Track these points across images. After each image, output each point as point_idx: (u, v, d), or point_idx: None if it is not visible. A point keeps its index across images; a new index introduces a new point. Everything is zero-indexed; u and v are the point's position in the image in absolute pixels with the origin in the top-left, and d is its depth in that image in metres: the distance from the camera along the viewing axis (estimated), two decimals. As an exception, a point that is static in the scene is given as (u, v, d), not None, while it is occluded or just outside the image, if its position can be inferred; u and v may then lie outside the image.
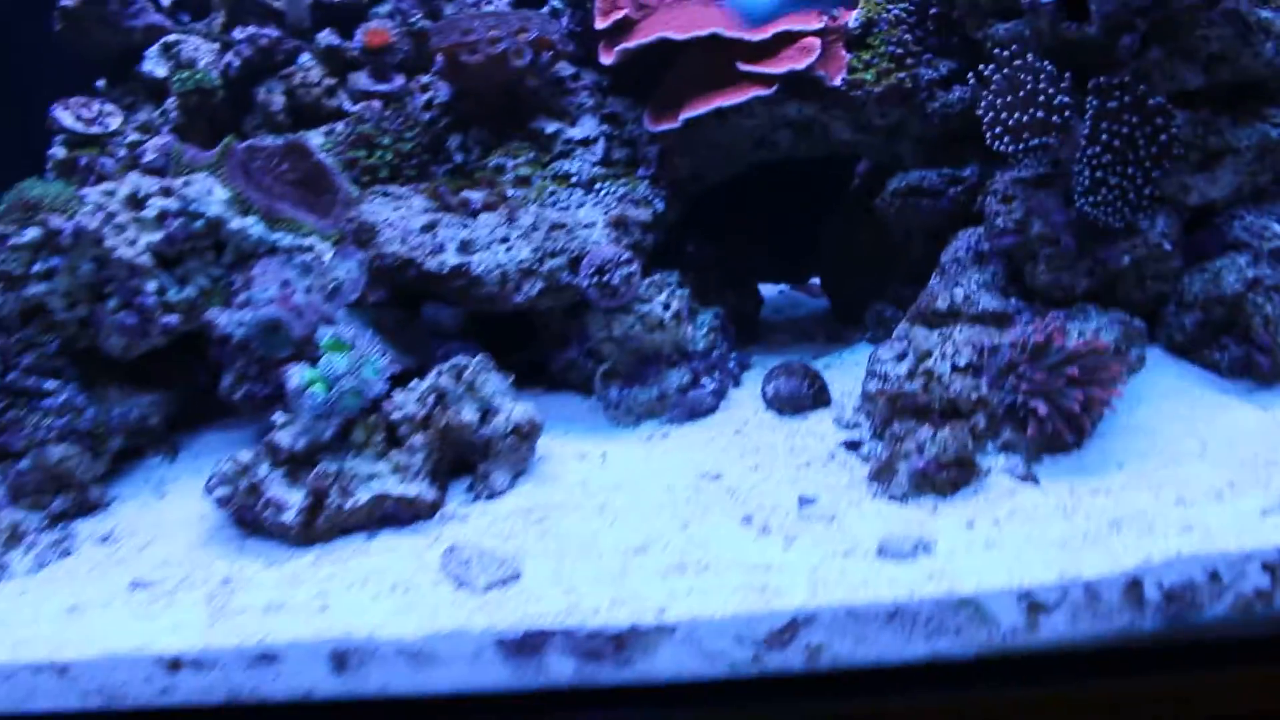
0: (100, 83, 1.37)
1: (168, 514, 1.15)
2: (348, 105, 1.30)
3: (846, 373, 1.24)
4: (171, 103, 1.31)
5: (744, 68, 1.21)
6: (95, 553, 1.11)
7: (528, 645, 0.93)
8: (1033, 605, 0.89)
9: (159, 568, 1.07)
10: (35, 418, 1.12)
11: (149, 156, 1.31)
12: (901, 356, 1.12)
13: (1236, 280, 1.07)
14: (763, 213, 1.34)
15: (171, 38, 1.35)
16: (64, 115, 1.32)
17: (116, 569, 1.08)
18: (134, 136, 1.34)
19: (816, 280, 1.47)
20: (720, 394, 1.21)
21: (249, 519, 1.08)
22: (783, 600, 0.91)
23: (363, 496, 1.05)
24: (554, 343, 1.20)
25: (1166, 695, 0.91)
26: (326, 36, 1.36)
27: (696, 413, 1.19)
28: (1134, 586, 0.90)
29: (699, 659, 0.92)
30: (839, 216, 1.39)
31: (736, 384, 1.24)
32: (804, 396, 1.18)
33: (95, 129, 1.33)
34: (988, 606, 0.90)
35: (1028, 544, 0.94)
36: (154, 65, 1.37)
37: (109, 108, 1.35)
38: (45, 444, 1.11)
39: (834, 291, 1.38)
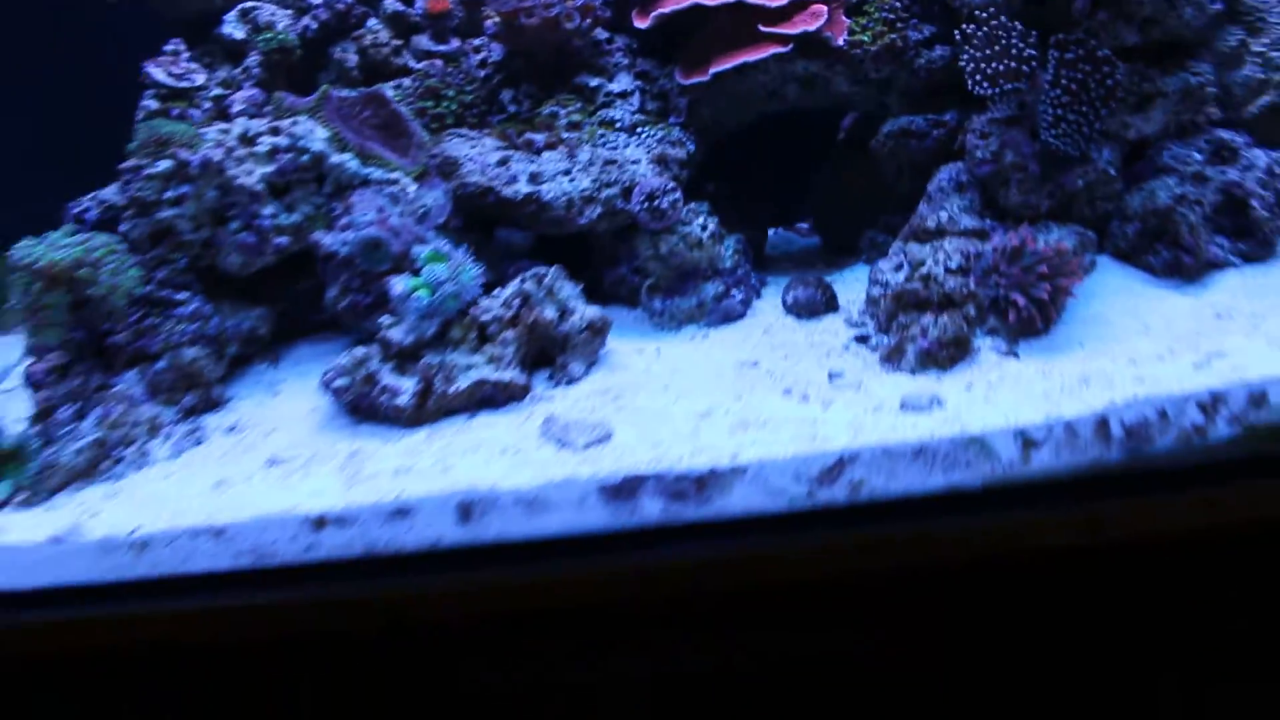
0: (174, 44, 1.52)
1: (283, 408, 1.31)
2: (412, 63, 1.47)
3: (848, 287, 1.46)
4: (254, 59, 1.46)
5: (764, 29, 1.42)
6: (225, 441, 1.27)
7: (624, 490, 1.13)
8: (1026, 441, 1.12)
9: (288, 449, 1.24)
10: (169, 324, 1.27)
11: (237, 107, 1.47)
12: (899, 267, 1.35)
13: (1167, 196, 1.32)
14: (763, 160, 1.56)
15: (249, 4, 1.51)
16: (157, 71, 1.46)
17: (249, 452, 1.24)
18: (217, 91, 1.49)
19: (804, 225, 1.69)
20: (747, 303, 1.42)
21: (363, 406, 1.25)
22: (830, 444, 1.13)
23: (464, 382, 1.24)
24: (606, 262, 1.40)
25: (1130, 514, 1.15)
26: (392, 3, 1.54)
27: (729, 318, 1.40)
28: (1102, 424, 1.13)
29: (764, 495, 1.13)
30: (829, 163, 1.61)
31: (758, 296, 1.45)
32: (818, 302, 1.39)
33: (184, 83, 1.48)
34: (991, 443, 1.12)
35: (1017, 397, 1.16)
36: (233, 28, 1.53)
37: (194, 65, 1.50)
38: (179, 347, 1.27)
39: (826, 228, 1.60)
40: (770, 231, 1.63)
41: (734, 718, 1.15)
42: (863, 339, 1.30)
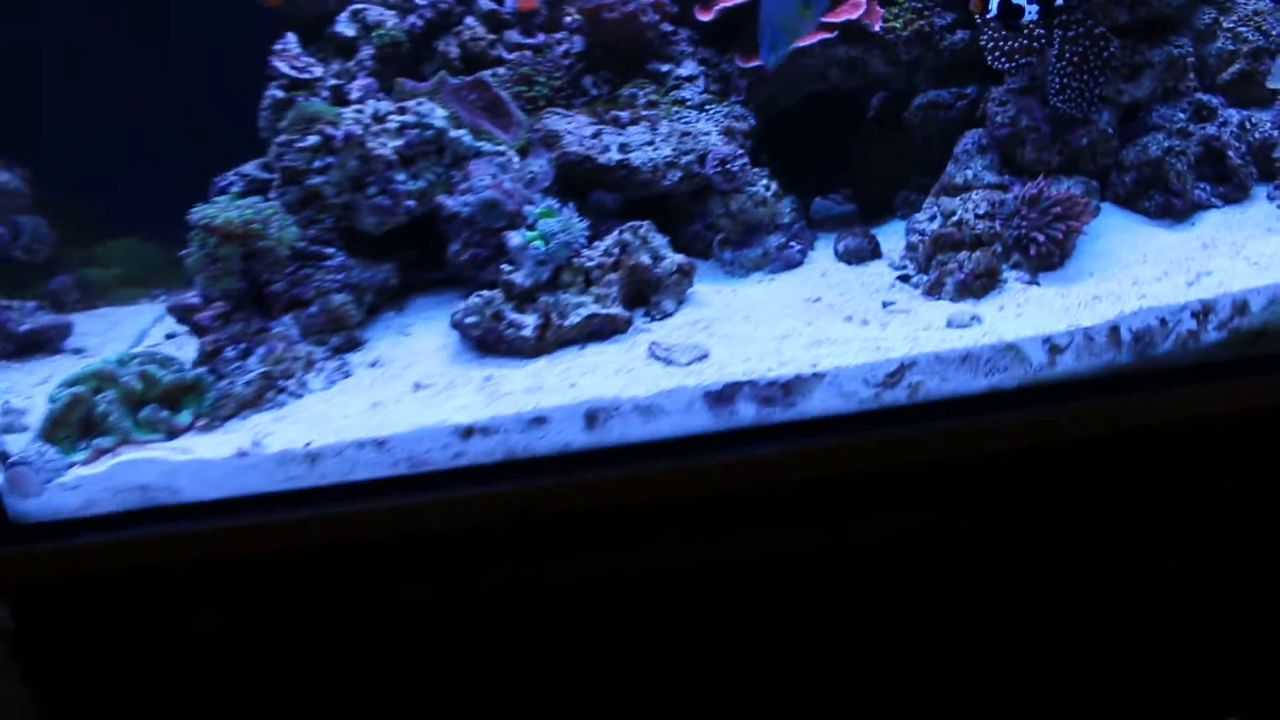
0: (285, 41, 1.72)
1: (416, 346, 1.51)
2: (505, 54, 1.66)
3: (887, 240, 1.66)
4: (367, 53, 1.65)
5: (814, 18, 1.66)
6: (370, 373, 1.47)
7: (724, 396, 1.34)
8: (1053, 347, 1.34)
9: (428, 377, 1.43)
10: (319, 275, 1.47)
11: (354, 94, 1.66)
12: (933, 218, 1.56)
13: (1157, 149, 1.55)
14: (805, 136, 1.77)
15: (358, 5, 1.71)
16: (281, 64, 1.66)
17: (393, 381, 1.44)
18: (333, 81, 1.69)
19: (836, 196, 1.91)
20: (804, 253, 1.63)
21: (490, 340, 1.45)
22: (890, 354, 1.35)
23: (576, 317, 1.44)
24: (683, 220, 1.61)
25: (1139, 408, 1.37)
26: (485, 2, 1.74)
27: (790, 265, 1.61)
28: (1114, 331, 1.35)
29: (839, 398, 1.34)
30: (863, 137, 1.84)
31: (812, 248, 1.67)
32: (865, 250, 1.61)
33: (305, 75, 1.68)
34: (1023, 349, 1.34)
35: (1043, 313, 1.38)
36: (344, 27, 1.71)
37: (310, 59, 1.70)
38: (329, 294, 1.46)
39: (862, 195, 1.82)
40: (812, 202, 1.86)
41: (816, 583, 1.37)
42: (905, 278, 1.52)
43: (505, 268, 1.47)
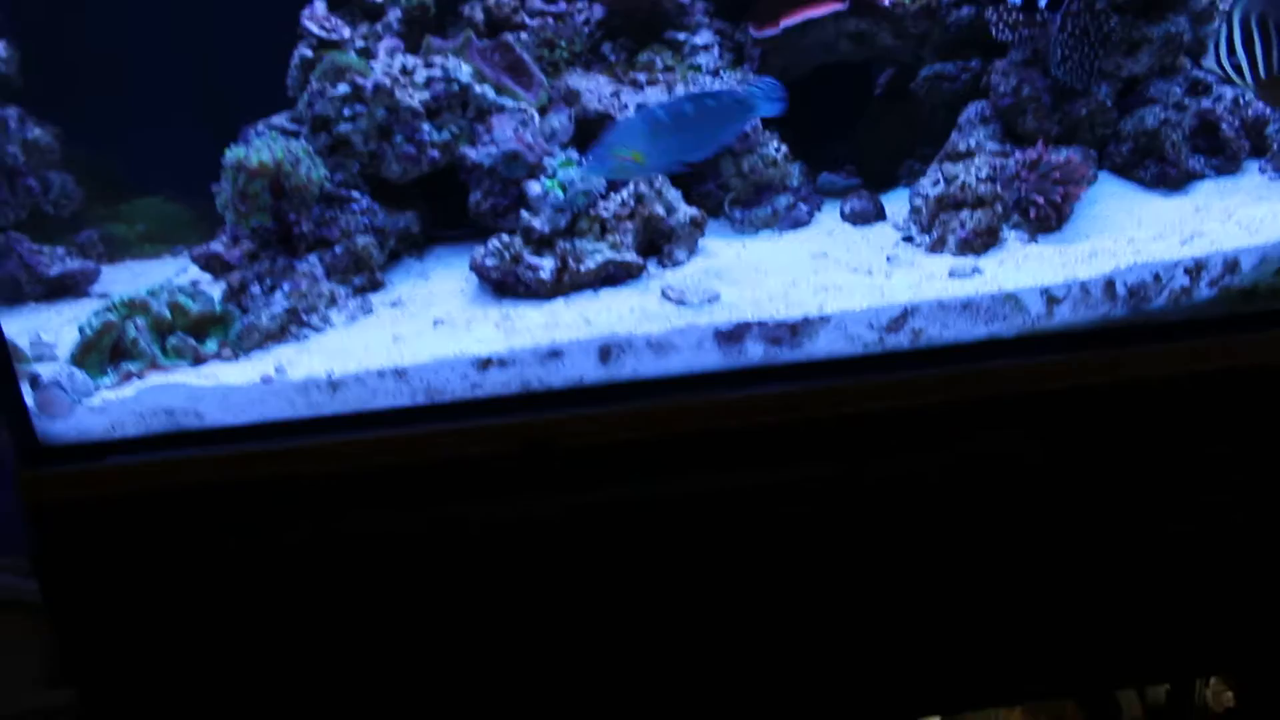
0: (315, 5, 1.77)
1: (435, 289, 1.54)
2: (528, 20, 1.72)
3: (892, 206, 1.70)
4: (394, 15, 1.67)
5: (826, -10, 1.71)
6: (391, 312, 1.49)
7: (734, 335, 1.37)
8: (1050, 298, 1.37)
9: (448, 314, 1.46)
10: (345, 217, 1.50)
11: (382, 54, 1.72)
12: (936, 182, 1.60)
13: (1153, 120, 1.59)
14: (812, 109, 1.82)
15: (385, -30, 1.77)
16: (310, 24, 1.70)
17: (414, 318, 1.47)
18: (360, 43, 1.73)
19: (842, 171, 1.95)
20: (812, 214, 1.66)
21: (508, 282, 1.48)
22: (895, 300, 1.38)
23: (592, 262, 1.47)
24: (695, 179, 1.64)
25: (1133, 361, 1.41)
26: None
27: (798, 224, 1.64)
28: (1110, 284, 1.38)
29: (844, 341, 1.37)
30: (869, 111, 1.88)
31: (819, 210, 1.71)
32: (870, 212, 1.64)
33: (334, 35, 1.72)
34: (1023, 299, 1.37)
35: (1041, 267, 1.41)
36: None
37: (339, 21, 1.74)
38: (353, 235, 1.50)
39: (867, 167, 1.86)
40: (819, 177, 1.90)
41: (820, 517, 1.40)
42: (909, 239, 1.55)
43: (525, 215, 1.51)
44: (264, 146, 1.44)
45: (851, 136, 1.82)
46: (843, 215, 1.64)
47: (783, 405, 1.37)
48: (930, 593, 1.46)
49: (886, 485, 1.40)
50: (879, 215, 1.63)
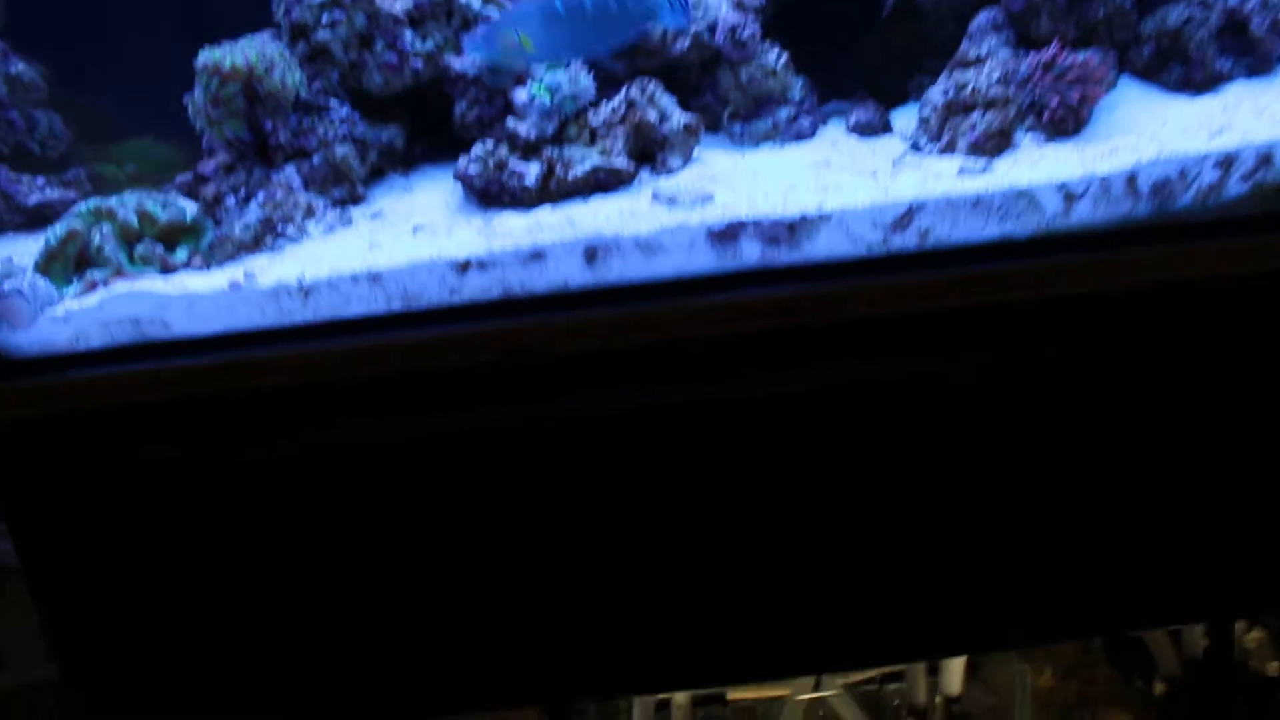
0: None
1: (418, 201, 1.45)
2: None
3: (899, 122, 1.61)
4: None
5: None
6: (370, 223, 1.40)
7: (728, 234, 1.28)
8: (1068, 195, 1.27)
9: (429, 223, 1.38)
10: (323, 126, 1.43)
11: None
12: (946, 91, 1.50)
13: (1177, 19, 1.48)
14: (815, 30, 1.73)
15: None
16: None
17: (394, 227, 1.37)
18: None
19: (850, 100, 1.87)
20: (815, 127, 1.56)
21: (493, 191, 1.40)
22: (901, 197, 1.29)
23: (580, 169, 1.38)
24: (692, 92, 1.54)
25: (1152, 263, 1.31)
26: None
27: (800, 136, 1.54)
28: (1132, 180, 1.28)
29: (846, 241, 1.28)
30: (878, 29, 1.79)
31: (824, 124, 1.62)
32: (876, 123, 1.54)
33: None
34: (1038, 196, 1.27)
35: (1058, 164, 1.31)
36: None
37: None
38: (332, 144, 1.42)
39: (876, 86, 1.77)
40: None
41: (819, 426, 1.30)
42: (917, 147, 1.46)
43: (510, 121, 1.43)
44: (238, 50, 1.37)
45: (858, 56, 1.73)
46: (848, 128, 1.54)
47: (780, 309, 1.28)
48: (935, 517, 1.36)
49: (889, 395, 1.30)
50: (886, 127, 1.53)
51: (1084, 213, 1.27)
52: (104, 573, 1.34)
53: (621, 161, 1.39)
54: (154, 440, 1.30)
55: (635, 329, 1.27)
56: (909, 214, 1.26)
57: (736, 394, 1.27)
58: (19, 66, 1.82)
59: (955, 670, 1.89)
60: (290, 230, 1.35)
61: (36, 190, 1.66)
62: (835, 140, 1.55)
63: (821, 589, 1.38)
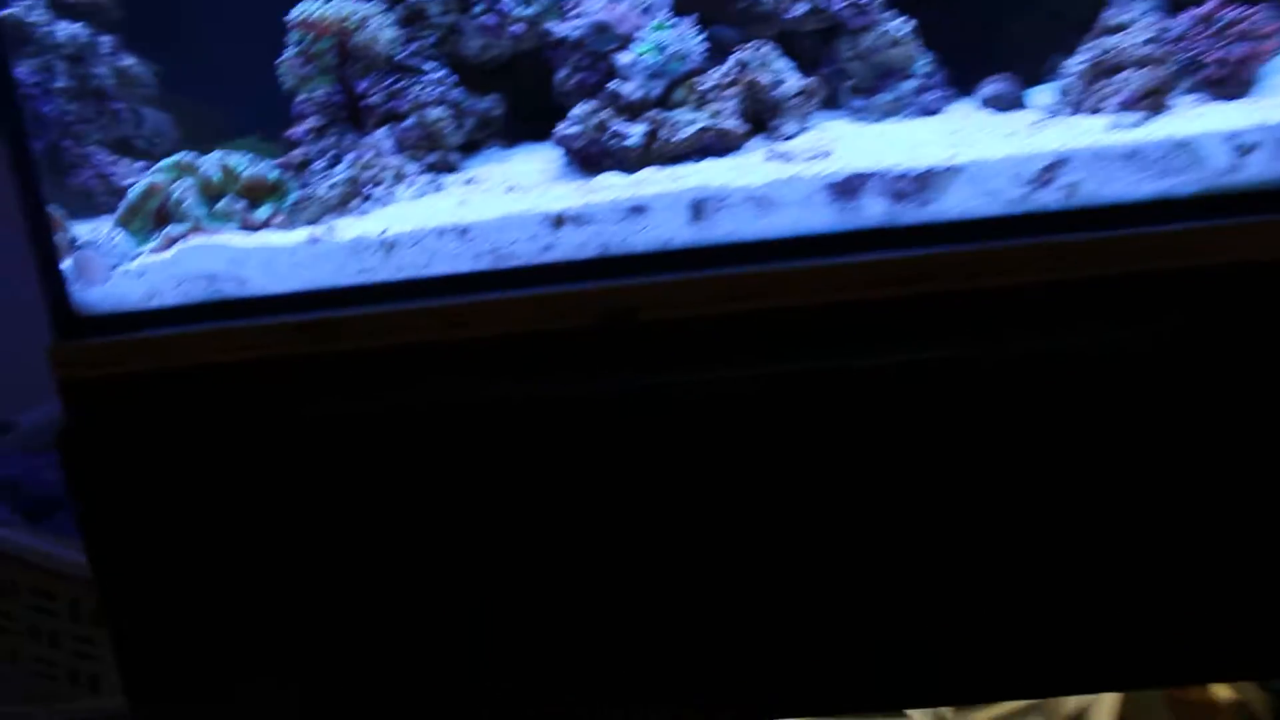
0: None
1: (515, 168, 1.35)
2: None
3: (1034, 98, 1.49)
4: None
5: None
6: (463, 189, 1.31)
7: (849, 188, 1.15)
8: (1240, 147, 1.11)
9: (523, 184, 1.29)
10: (417, 88, 1.36)
11: None
12: (1090, 55, 1.37)
13: None
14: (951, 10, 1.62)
15: None
16: None
17: (488, 191, 1.29)
18: None
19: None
20: (943, 101, 1.45)
21: (593, 154, 1.30)
22: (1045, 148, 1.15)
23: (687, 131, 1.28)
24: (808, 65, 1.44)
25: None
26: None
27: (927, 111, 1.41)
28: None
29: (982, 197, 1.14)
30: (1009, 5, 1.67)
31: (953, 101, 1.49)
32: (1013, 95, 1.41)
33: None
34: (1202, 148, 1.13)
35: (1222, 118, 1.17)
36: None
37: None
38: (426, 106, 1.35)
39: (1007, 63, 1.64)
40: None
41: (952, 410, 1.15)
42: (1055, 112, 1.33)
43: (613, 83, 1.34)
44: (332, 5, 1.31)
45: (990, 31, 1.60)
46: (980, 103, 1.42)
47: (906, 274, 1.14)
48: (1093, 519, 1.19)
49: (1028, 373, 1.15)
50: (1021, 103, 1.40)
51: (1259, 167, 1.11)
52: (172, 545, 1.25)
53: (732, 123, 1.28)
54: (226, 403, 1.22)
55: (744, 292, 1.15)
56: (1053, 167, 1.12)
57: (857, 367, 1.13)
58: (128, 61, 1.81)
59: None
60: (378, 192, 1.27)
61: (134, 174, 1.62)
62: (967, 115, 1.42)
63: (966, 600, 1.22)
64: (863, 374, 1.13)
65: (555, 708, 1.25)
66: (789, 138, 1.30)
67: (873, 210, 1.14)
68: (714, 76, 1.33)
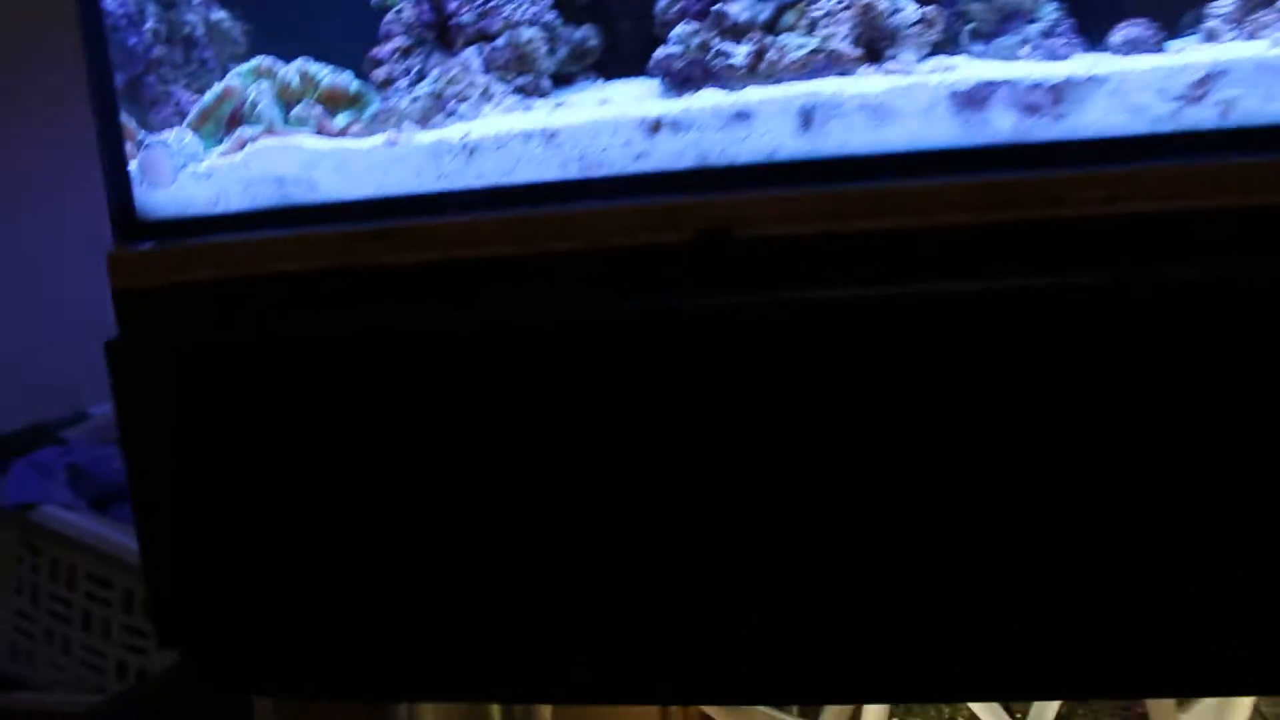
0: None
1: (613, 91, 1.27)
2: None
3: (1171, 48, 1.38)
4: None
5: None
6: (554, 111, 1.25)
7: (975, 98, 1.05)
8: None
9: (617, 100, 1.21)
10: (509, 7, 1.30)
11: None
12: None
13: None
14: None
15: None
16: None
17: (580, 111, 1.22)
18: None
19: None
20: (1071, 49, 1.34)
21: (694, 75, 1.21)
22: (1198, 59, 1.04)
23: (796, 54, 1.20)
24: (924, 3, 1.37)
25: None
26: None
27: (1053, 57, 1.33)
28: None
29: (1124, 112, 1.03)
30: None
31: (1083, 50, 1.39)
32: (1149, 39, 1.28)
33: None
34: (1385, 63, 1.01)
35: None
36: None
37: None
38: (517, 25, 1.28)
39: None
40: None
41: (1080, 345, 1.02)
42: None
43: (718, 5, 1.25)
44: (426, -83, 1.26)
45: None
46: (1111, 49, 1.31)
47: (1036, 195, 1.02)
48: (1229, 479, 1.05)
49: (1165, 308, 1.01)
50: (1158, 45, 1.30)
51: None
52: (225, 466, 1.16)
53: (843, 46, 1.19)
54: (291, 316, 1.13)
55: (857, 210, 1.04)
56: (1207, 80, 1.01)
57: (978, 292, 1.02)
58: (220, 14, 1.79)
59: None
60: (463, 110, 1.20)
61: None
62: (1098, 58, 1.32)
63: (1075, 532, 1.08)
64: (980, 301, 1.02)
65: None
66: (904, 69, 1.21)
67: (1001, 124, 1.03)
68: (826, 3, 1.25)
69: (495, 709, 1.72)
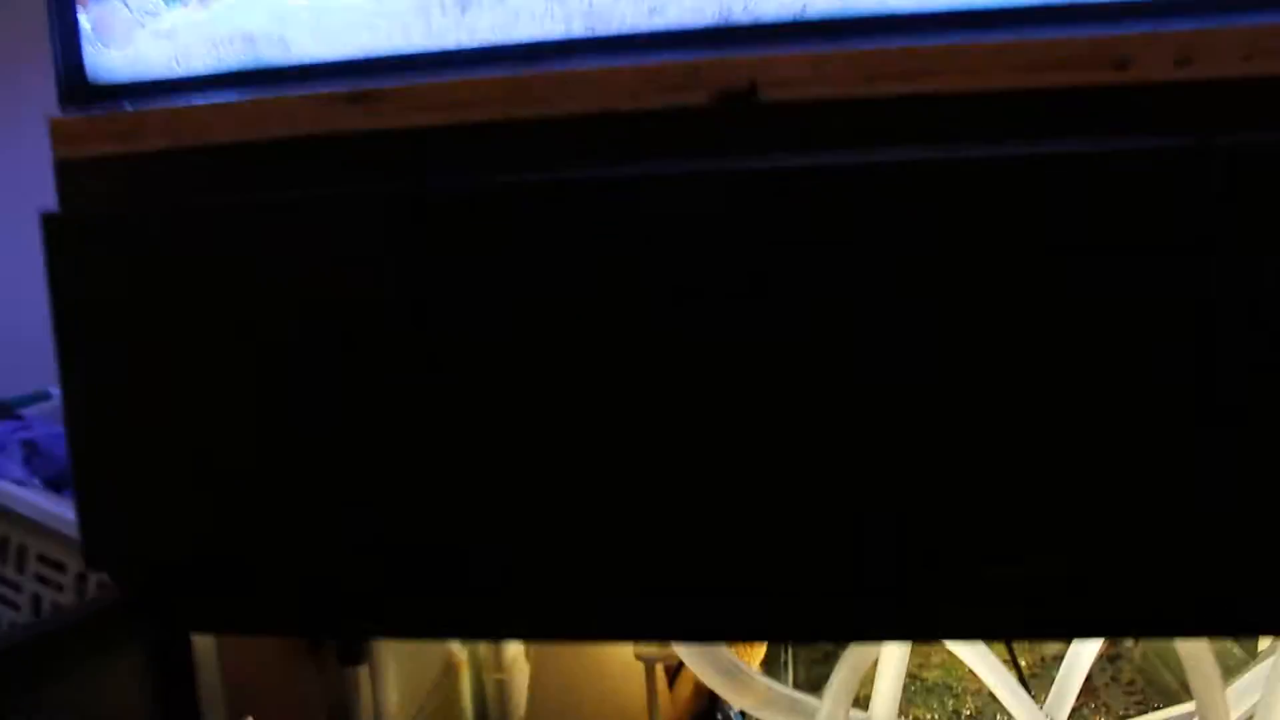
0: None
1: None
2: None
3: None
4: None
5: None
6: None
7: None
8: None
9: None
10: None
11: None
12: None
13: None
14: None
15: None
16: None
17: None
18: None
19: None
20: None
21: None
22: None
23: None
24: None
25: None
26: None
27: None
28: None
29: (1194, -36, 0.94)
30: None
31: None
32: None
33: None
34: None
35: None
36: None
37: None
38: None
39: None
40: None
41: (1146, 218, 0.91)
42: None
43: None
44: None
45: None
46: None
47: (1096, 57, 0.91)
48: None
49: (1245, 171, 0.91)
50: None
51: None
52: (171, 359, 1.02)
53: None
54: (259, 189, 1.00)
55: (892, 72, 0.93)
56: (1289, -72, 0.92)
57: (1032, 160, 0.91)
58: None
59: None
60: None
61: None
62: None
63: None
64: (1026, 167, 0.91)
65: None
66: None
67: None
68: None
69: (464, 668, 1.57)
